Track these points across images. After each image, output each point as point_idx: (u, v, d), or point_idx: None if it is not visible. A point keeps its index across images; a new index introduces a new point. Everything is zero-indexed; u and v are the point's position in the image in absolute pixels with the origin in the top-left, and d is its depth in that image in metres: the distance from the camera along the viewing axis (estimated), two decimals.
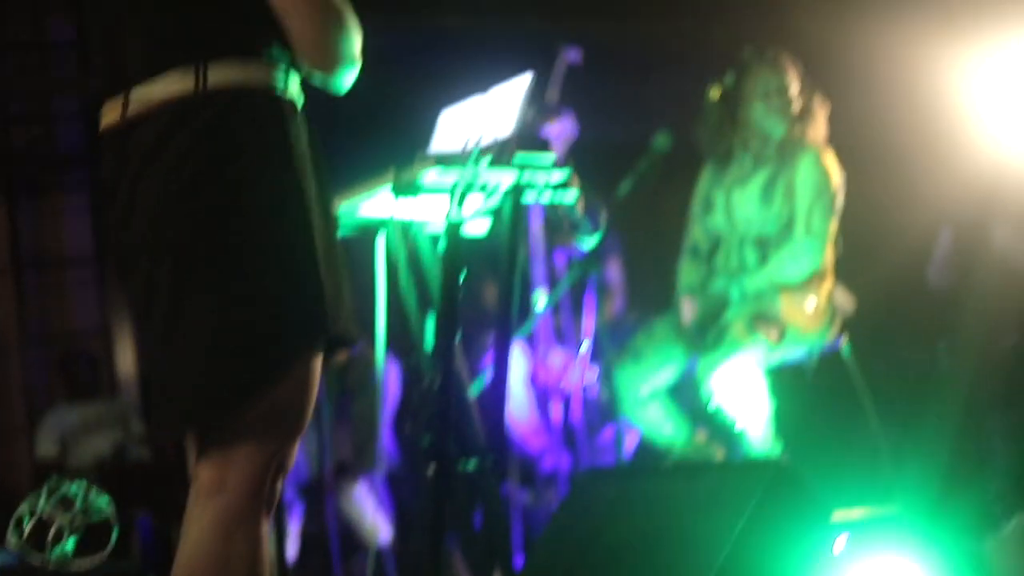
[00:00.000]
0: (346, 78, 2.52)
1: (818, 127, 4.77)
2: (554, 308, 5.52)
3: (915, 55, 6.14)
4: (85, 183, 8.15)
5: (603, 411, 5.12)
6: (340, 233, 2.70)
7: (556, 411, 5.56)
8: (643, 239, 6.01)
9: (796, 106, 4.73)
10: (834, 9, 7.70)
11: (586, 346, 4.99)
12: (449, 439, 3.44)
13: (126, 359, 7.91)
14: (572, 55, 5.84)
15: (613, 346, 5.07)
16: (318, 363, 2.53)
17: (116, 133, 2.54)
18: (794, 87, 4.75)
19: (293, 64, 2.52)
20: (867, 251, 5.13)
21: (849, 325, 4.78)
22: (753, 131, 4.74)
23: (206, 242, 2.45)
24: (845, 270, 4.82)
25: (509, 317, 3.44)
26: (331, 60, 2.47)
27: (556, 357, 5.58)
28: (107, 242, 2.63)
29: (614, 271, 6.13)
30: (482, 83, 4.00)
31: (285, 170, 2.49)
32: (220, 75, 2.45)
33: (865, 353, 4.75)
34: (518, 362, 5.77)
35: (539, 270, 5.42)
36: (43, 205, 8.31)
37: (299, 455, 5.72)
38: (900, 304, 5.76)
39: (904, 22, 6.72)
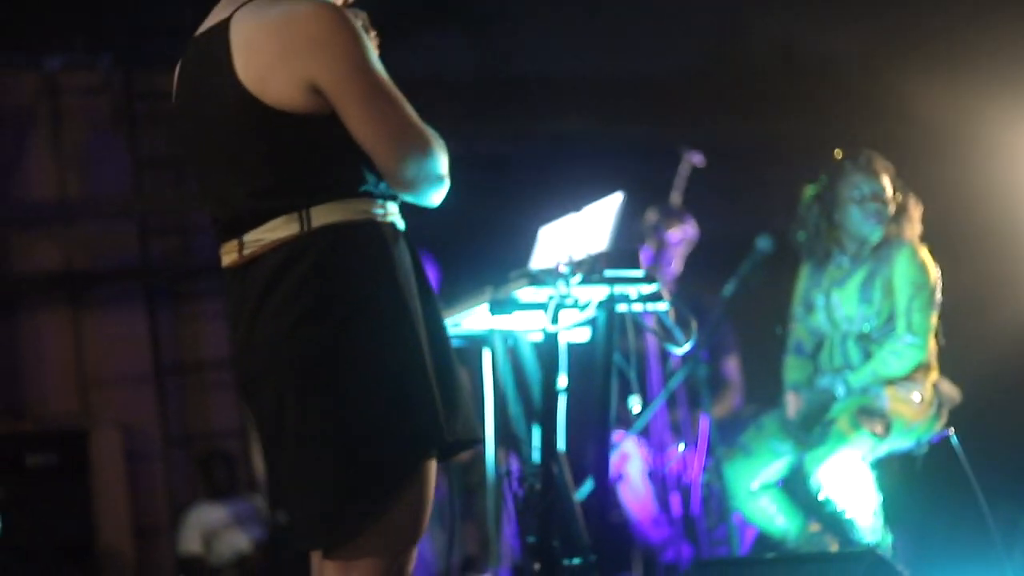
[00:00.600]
0: (434, 196, 2.74)
1: (913, 224, 4.86)
2: (669, 403, 5.66)
3: (1010, 144, 6.22)
4: (220, 289, 8.46)
5: (721, 503, 5.21)
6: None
7: (675, 503, 5.68)
8: (756, 335, 6.11)
9: (891, 208, 4.83)
10: (934, 105, 7.80)
11: (701, 439, 5.13)
12: (552, 538, 3.61)
13: (262, 459, 8.16)
14: (696, 158, 6.00)
15: (732, 439, 5.17)
16: (433, 471, 2.73)
17: (235, 272, 2.77)
18: (888, 190, 4.84)
19: (389, 190, 2.72)
20: (971, 341, 5.19)
21: (956, 415, 4.83)
22: (850, 234, 4.85)
23: (325, 368, 2.66)
24: (950, 360, 4.88)
25: (606, 422, 3.60)
26: (415, 184, 2.68)
27: (674, 451, 5.71)
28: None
29: (732, 367, 6.24)
30: (605, 186, 4.20)
31: (392, 293, 2.69)
32: (322, 216, 2.67)
33: (973, 442, 4.79)
34: (637, 457, 5.91)
35: (654, 368, 5.56)
36: (181, 312, 8.64)
37: (428, 550, 5.92)
38: (1006, 392, 5.79)
39: (997, 114, 6.79)
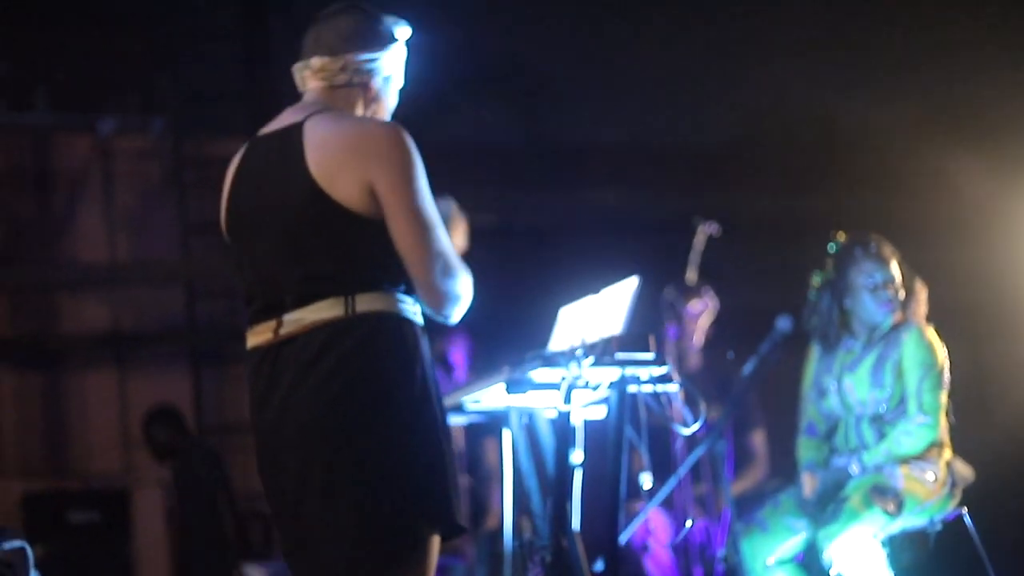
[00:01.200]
0: (454, 314, 3.07)
1: (920, 305, 4.97)
2: (693, 477, 5.77)
3: (1009, 220, 6.33)
4: None
5: None
6: (467, 420, 3.23)
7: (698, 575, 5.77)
8: (779, 411, 6.21)
9: (902, 294, 4.94)
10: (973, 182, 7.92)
11: (726, 514, 5.23)
12: None
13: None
14: (711, 227, 6.11)
15: (753, 514, 5.25)
16: (437, 549, 3.00)
17: (267, 351, 3.04)
18: (898, 276, 4.95)
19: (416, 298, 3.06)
20: (982, 419, 5.28)
21: (969, 494, 4.91)
22: (862, 321, 4.97)
23: (354, 447, 2.94)
24: (961, 439, 4.97)
25: (617, 499, 3.73)
26: (440, 303, 3.03)
27: (698, 524, 5.80)
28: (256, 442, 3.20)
29: (757, 440, 6.34)
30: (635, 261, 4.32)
31: (421, 381, 3.00)
32: (365, 303, 2.98)
33: (986, 521, 4.86)
34: (661, 529, 6.01)
35: (679, 442, 5.65)
36: (226, 374, 8.82)
37: None
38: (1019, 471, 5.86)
39: (995, 186, 6.91)
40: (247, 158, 3.17)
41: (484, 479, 6.12)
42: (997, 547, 4.85)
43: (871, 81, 9.18)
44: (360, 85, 3.15)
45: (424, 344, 3.05)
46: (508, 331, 8.51)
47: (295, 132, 3.05)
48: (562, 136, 9.19)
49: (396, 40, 3.20)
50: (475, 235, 8.68)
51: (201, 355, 8.70)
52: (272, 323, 3.03)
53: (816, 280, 5.09)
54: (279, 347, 3.02)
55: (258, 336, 3.07)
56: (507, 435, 3.90)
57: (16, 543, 4.28)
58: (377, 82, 3.16)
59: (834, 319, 5.00)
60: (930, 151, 8.96)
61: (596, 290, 3.96)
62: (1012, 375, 6.35)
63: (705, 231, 6.10)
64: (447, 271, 3.00)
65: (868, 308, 4.93)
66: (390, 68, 3.19)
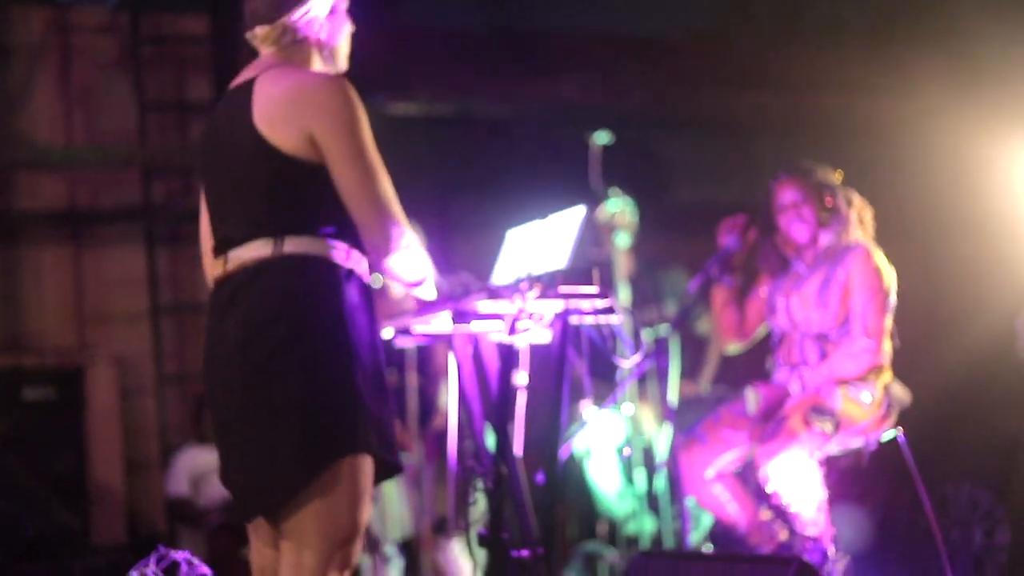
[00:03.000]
0: (398, 261, 3.25)
1: (865, 227, 5.05)
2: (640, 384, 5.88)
3: (974, 145, 6.38)
4: None
5: (676, 487, 5.40)
6: (414, 343, 3.36)
7: (640, 478, 5.89)
8: None
9: (824, 212, 5.01)
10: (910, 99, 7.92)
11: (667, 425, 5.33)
12: (501, 532, 3.84)
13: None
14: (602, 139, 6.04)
15: (695, 426, 5.35)
16: (363, 474, 3.20)
17: (216, 284, 3.31)
18: (821, 195, 5.02)
19: (354, 246, 3.25)
20: (925, 343, 5.36)
21: (909, 417, 5.02)
22: (790, 243, 5.07)
23: (270, 370, 3.17)
24: (902, 362, 5.06)
25: (557, 427, 3.82)
26: (381, 245, 3.22)
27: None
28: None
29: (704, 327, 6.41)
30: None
31: (335, 319, 3.20)
32: (292, 245, 3.20)
33: (924, 445, 4.97)
34: (606, 433, 6.12)
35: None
36: (180, 253, 8.82)
37: (403, 511, 6.13)
38: (960, 395, 5.97)
39: (966, 117, 6.93)
40: (217, 112, 3.42)
41: (432, 378, 6.20)
42: (936, 471, 4.98)
43: None
44: (305, 39, 3.34)
45: (349, 289, 3.22)
46: (460, 221, 8.58)
47: (247, 88, 3.28)
48: (525, 21, 9.12)
49: None
50: (432, 123, 8.69)
51: (156, 234, 8.70)
52: (222, 259, 3.28)
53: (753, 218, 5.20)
54: (223, 281, 3.29)
55: (213, 270, 3.33)
56: (451, 359, 3.96)
57: None
58: (321, 31, 3.35)
59: (773, 248, 5.12)
60: (890, 50, 8.96)
61: (543, 214, 4.00)
62: (963, 296, 6.45)
63: (596, 145, 6.07)
64: (387, 215, 3.19)
65: (783, 228, 5.05)
66: (326, 11, 3.35)
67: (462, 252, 8.46)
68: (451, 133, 8.68)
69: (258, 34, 3.36)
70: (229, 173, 3.30)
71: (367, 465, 3.21)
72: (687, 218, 8.23)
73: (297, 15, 3.30)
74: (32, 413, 8.20)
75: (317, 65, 3.36)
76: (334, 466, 3.15)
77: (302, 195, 3.21)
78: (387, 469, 3.29)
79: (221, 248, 3.30)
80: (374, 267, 3.28)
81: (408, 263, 3.27)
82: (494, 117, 8.80)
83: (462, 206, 8.62)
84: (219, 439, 3.34)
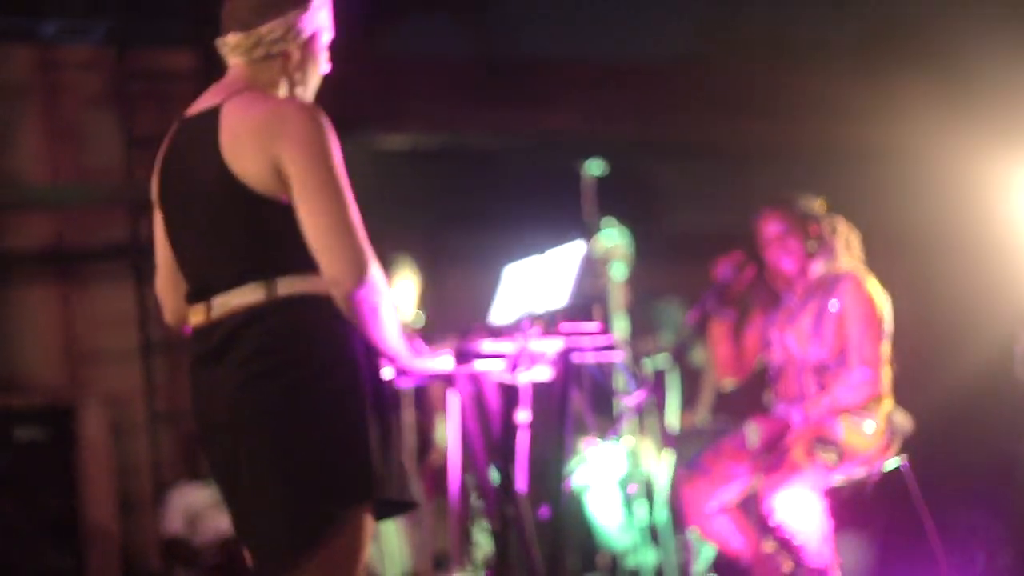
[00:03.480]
0: (357, 301, 2.95)
1: (852, 253, 5.03)
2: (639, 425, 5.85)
3: (969, 165, 6.36)
4: None
5: (678, 519, 5.36)
6: (415, 383, 3.21)
7: (641, 511, 5.84)
8: None
9: (812, 244, 4.99)
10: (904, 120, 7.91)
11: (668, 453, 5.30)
12: (507, 572, 3.80)
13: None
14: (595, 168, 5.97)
15: (696, 458, 5.31)
16: (366, 525, 3.03)
17: (201, 332, 3.06)
18: (802, 226, 5.00)
19: None
20: (923, 366, 5.33)
21: (910, 443, 4.99)
22: (780, 276, 5.05)
23: (277, 423, 2.97)
24: (903, 390, 5.03)
25: (560, 464, 3.78)
26: (339, 281, 2.93)
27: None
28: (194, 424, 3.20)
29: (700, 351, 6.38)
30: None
31: (342, 362, 2.99)
32: (286, 287, 2.97)
33: (925, 469, 4.94)
34: (605, 466, 6.08)
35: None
36: None
37: (402, 547, 6.07)
38: (960, 419, 5.94)
39: (960, 137, 6.92)
40: (173, 140, 3.15)
41: (428, 413, 6.15)
42: (938, 495, 4.94)
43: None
44: (279, 55, 3.10)
45: (348, 325, 3.00)
46: (453, 253, 8.54)
47: (212, 116, 3.03)
48: (512, 51, 9.11)
49: None
50: (422, 155, 8.67)
51: (145, 271, 8.65)
52: (203, 306, 3.05)
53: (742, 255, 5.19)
54: (210, 329, 3.05)
55: (195, 317, 3.09)
56: (454, 399, 3.91)
57: None
58: (297, 47, 3.11)
59: (763, 278, 5.11)
60: (876, 73, 8.95)
61: (539, 248, 3.96)
62: (960, 319, 6.42)
63: (589, 175, 5.99)
64: (357, 241, 2.92)
65: (772, 262, 5.04)
66: (310, 27, 3.12)
67: (454, 283, 8.44)
68: (441, 165, 8.65)
69: (229, 41, 3.13)
70: (199, 212, 3.04)
71: (368, 516, 3.05)
72: (681, 245, 8.21)
73: (275, 27, 3.08)
74: (24, 453, 8.14)
75: (283, 91, 3.12)
76: (342, 519, 2.99)
77: (284, 233, 2.97)
78: (403, 506, 3.12)
79: (200, 295, 3.06)
80: (338, 298, 2.98)
81: (377, 300, 2.98)
82: (484, 148, 8.77)
83: (454, 238, 8.58)
84: (226, 493, 3.16)
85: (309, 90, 3.17)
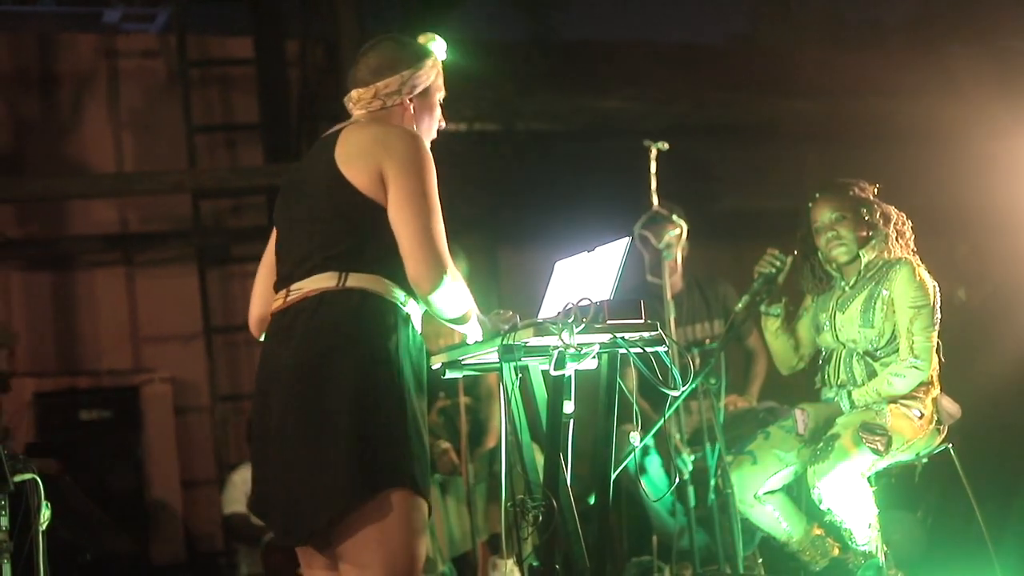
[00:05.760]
0: (439, 298, 3.42)
1: (904, 241, 5.06)
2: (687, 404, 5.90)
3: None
4: None
5: (728, 505, 5.41)
6: (466, 373, 4.02)
7: (690, 495, 5.91)
8: None
9: (862, 230, 5.03)
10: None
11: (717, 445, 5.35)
12: (554, 563, 3.87)
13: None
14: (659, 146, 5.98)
15: (745, 444, 5.35)
16: (417, 516, 3.36)
17: (276, 314, 3.46)
18: (851, 214, 5.04)
19: (412, 295, 3.45)
20: (976, 352, 5.35)
21: (954, 429, 5.02)
22: (830, 263, 5.09)
23: (326, 399, 3.32)
24: (951, 374, 5.06)
25: (608, 459, 3.86)
26: (426, 277, 3.39)
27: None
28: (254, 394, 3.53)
29: (754, 338, 6.41)
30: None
31: (389, 358, 3.37)
32: (355, 281, 3.39)
33: (972, 457, 4.97)
34: (656, 453, 6.16)
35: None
36: (231, 272, 8.93)
37: (454, 530, 6.14)
38: (1007, 406, 5.95)
39: (1016, 116, 6.90)
40: (303, 160, 3.65)
41: (483, 398, 6.24)
42: (981, 481, 4.98)
43: None
44: (396, 106, 3.59)
45: (405, 330, 3.41)
46: (509, 235, 8.62)
47: (334, 135, 3.54)
48: (568, 35, 9.16)
49: (427, 55, 3.64)
50: (477, 139, 8.74)
51: (207, 254, 8.80)
52: (283, 292, 3.44)
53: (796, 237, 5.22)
54: (283, 312, 3.43)
55: (274, 304, 3.47)
56: (502, 391, 3.99)
57: (27, 475, 4.43)
58: (412, 99, 3.60)
59: (814, 269, 5.15)
60: (930, 52, 8.93)
61: (591, 247, 4.03)
62: (1012, 301, 6.41)
63: (653, 149, 5.99)
64: (437, 249, 3.37)
65: (824, 249, 5.08)
66: (423, 83, 3.62)
67: (511, 265, 8.54)
68: (497, 148, 8.72)
69: (352, 96, 3.61)
70: (304, 208, 3.47)
71: (422, 504, 3.36)
72: (733, 226, 8.25)
73: (390, 83, 3.57)
74: (89, 433, 8.34)
75: None
76: (384, 496, 3.29)
77: (371, 234, 3.39)
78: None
79: (283, 282, 3.45)
80: (419, 298, 3.42)
81: (452, 297, 3.43)
82: (538, 131, 8.84)
83: (511, 221, 8.66)
84: (261, 465, 3.48)
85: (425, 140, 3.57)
